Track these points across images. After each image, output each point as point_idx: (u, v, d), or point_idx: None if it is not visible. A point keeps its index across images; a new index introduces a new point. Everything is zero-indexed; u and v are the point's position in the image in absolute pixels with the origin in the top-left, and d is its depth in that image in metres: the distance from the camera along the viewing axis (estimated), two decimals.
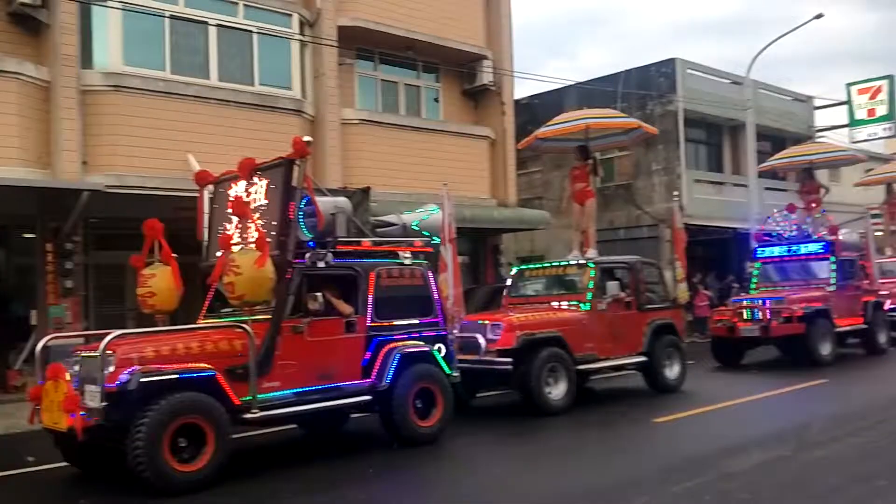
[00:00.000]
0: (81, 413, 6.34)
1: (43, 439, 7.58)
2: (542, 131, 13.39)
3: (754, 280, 16.00)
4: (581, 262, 11.41)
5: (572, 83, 23.31)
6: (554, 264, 11.82)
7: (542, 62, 69.08)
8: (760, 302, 14.09)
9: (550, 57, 67.27)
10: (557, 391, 9.87)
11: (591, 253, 12.08)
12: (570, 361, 10.05)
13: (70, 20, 12.50)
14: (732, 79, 24.53)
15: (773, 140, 26.08)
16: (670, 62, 23.29)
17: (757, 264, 16.13)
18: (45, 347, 7.64)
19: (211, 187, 8.63)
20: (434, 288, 8.79)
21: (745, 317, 13.99)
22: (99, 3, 12.91)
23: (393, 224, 9.35)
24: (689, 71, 23.62)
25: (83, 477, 7.45)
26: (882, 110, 26.57)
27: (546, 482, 6.79)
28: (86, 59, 12.90)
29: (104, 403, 6.28)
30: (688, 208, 21.26)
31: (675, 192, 19.19)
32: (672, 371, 11.45)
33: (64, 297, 12.54)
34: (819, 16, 21.79)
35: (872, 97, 26.72)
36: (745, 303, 14.40)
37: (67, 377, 6.72)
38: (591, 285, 10.79)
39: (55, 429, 6.81)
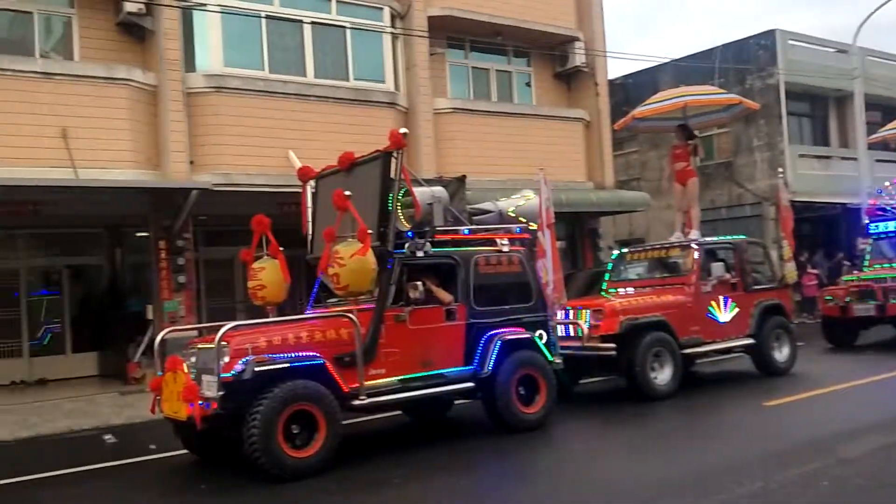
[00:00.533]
0: (200, 402, 6.60)
1: (163, 428, 7.96)
2: (639, 111, 13.13)
3: (867, 257, 15.24)
4: (684, 243, 11.14)
5: (667, 60, 22.72)
6: (656, 246, 11.59)
7: (633, 41, 67.47)
8: (875, 280, 13.43)
9: (641, 36, 65.63)
10: (663, 376, 9.70)
11: (694, 234, 11.78)
12: (676, 345, 9.86)
13: (173, 26, 13.01)
14: (837, 47, 23.38)
15: (884, 109, 24.66)
16: (770, 34, 22.39)
17: (870, 240, 15.35)
18: (162, 340, 8.05)
19: (313, 182, 8.84)
20: (533, 274, 8.76)
21: (859, 296, 13.36)
22: (198, 7, 13.40)
23: (489, 211, 9.36)
24: (790, 42, 22.63)
25: (202, 464, 7.77)
26: None
27: (654, 468, 6.70)
28: (189, 62, 13.41)
29: (221, 392, 6.54)
30: (793, 184, 20.42)
31: (780, 169, 18.45)
32: (781, 353, 11.08)
33: (177, 291, 13.11)
34: None
35: None
36: (858, 281, 13.74)
37: (185, 368, 7.02)
38: (694, 267, 10.54)
39: (175, 418, 7.12)
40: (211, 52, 13.54)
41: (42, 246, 15.53)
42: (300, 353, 6.94)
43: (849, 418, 8.17)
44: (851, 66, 21.51)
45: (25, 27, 12.92)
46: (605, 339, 9.49)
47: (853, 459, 6.51)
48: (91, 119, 12.05)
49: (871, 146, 20.96)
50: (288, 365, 6.78)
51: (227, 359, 6.70)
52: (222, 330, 6.75)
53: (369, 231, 7.24)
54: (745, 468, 6.41)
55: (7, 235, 14.75)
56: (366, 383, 7.20)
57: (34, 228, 14.53)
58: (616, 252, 12.36)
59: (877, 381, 10.37)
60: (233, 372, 6.58)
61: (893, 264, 14.53)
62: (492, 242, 8.60)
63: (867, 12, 23.63)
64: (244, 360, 6.65)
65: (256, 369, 6.59)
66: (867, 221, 15.70)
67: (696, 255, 10.66)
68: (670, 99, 12.77)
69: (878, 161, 22.52)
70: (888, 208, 15.46)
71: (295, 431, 6.75)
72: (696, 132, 13.29)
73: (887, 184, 16.14)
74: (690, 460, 6.95)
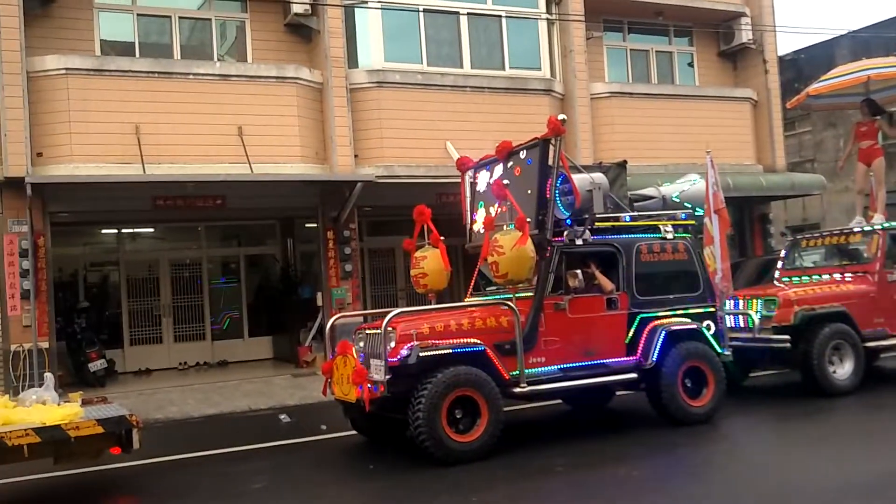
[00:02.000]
0: (368, 385, 6.86)
1: (334, 409, 8.32)
2: (814, 87, 12.27)
3: None
4: (867, 228, 10.34)
5: (844, 32, 21.15)
6: (835, 232, 10.82)
7: (804, 13, 63.29)
8: None
9: (815, 6, 61.35)
10: (843, 370, 9.08)
11: (878, 218, 10.90)
12: (858, 338, 9.19)
13: (336, 24, 13.52)
14: None
15: None
16: None
17: None
18: (332, 326, 8.41)
19: (471, 172, 8.93)
20: (700, 262, 8.43)
21: None
22: (360, 5, 13.85)
23: (652, 197, 9.10)
24: None
25: (370, 445, 8.08)
26: None
27: (834, 468, 6.29)
28: (352, 59, 13.89)
29: (388, 376, 6.76)
30: None
31: None
32: None
33: (344, 279, 13.66)
34: None
35: None
36: None
37: (355, 353, 7.30)
38: (879, 254, 9.76)
39: (345, 400, 7.43)
40: (372, 48, 13.95)
41: (222, 237, 16.70)
42: (462, 340, 7.04)
43: None
44: None
45: (204, 33, 13.88)
46: (778, 330, 8.99)
47: None
48: (264, 117, 12.74)
49: None
50: (451, 351, 6.92)
51: (393, 344, 6.91)
52: (389, 316, 6.97)
53: (528, 220, 7.23)
54: None
55: (191, 228, 15.95)
56: (526, 371, 7.20)
57: (214, 221, 15.62)
58: (790, 238, 11.65)
59: None
60: (399, 356, 6.78)
61: None
62: (655, 229, 8.35)
63: None
64: (409, 345, 6.83)
65: (421, 354, 6.76)
66: None
67: (881, 240, 9.86)
68: (851, 74, 11.83)
69: None
70: None
71: (458, 416, 6.88)
72: (886, 108, 12.28)
73: None
74: (874, 461, 6.45)
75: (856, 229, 10.51)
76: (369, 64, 13.90)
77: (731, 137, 16.72)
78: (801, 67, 21.33)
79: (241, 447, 8.21)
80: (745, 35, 17.20)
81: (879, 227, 10.18)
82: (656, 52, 17.45)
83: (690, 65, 17.80)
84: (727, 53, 17.88)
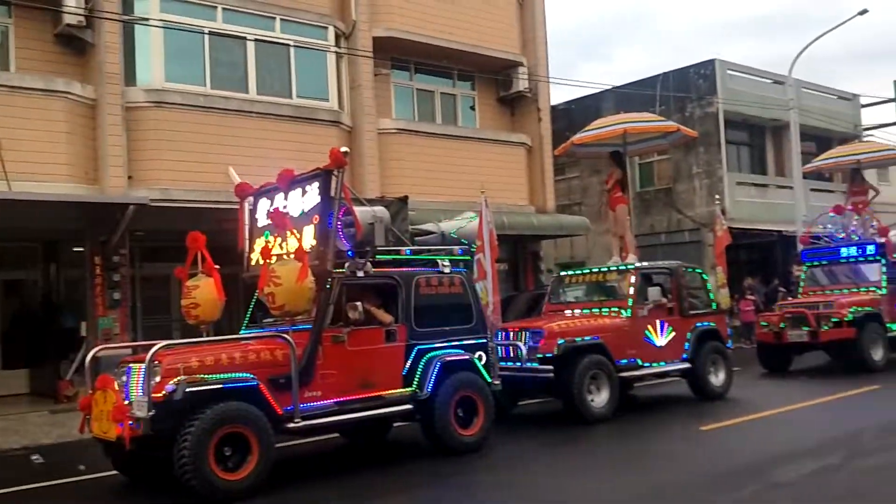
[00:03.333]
0: (130, 422, 6.45)
1: (94, 448, 7.72)
2: (578, 137, 13.32)
3: (801, 284, 15.67)
4: (622, 267, 11.31)
5: (609, 87, 23.18)
6: (594, 270, 11.73)
7: (576, 66, 68.70)
8: (808, 306, 13.81)
9: (585, 60, 66.81)
10: (600, 399, 9.77)
11: (632, 258, 11.97)
12: (613, 368, 9.96)
13: (113, 39, 12.81)
14: (774, 78, 24.16)
15: (819, 140, 25.59)
16: (710, 63, 23.03)
17: (804, 267, 15.79)
18: (94, 358, 7.82)
19: (251, 199, 8.74)
20: (474, 296, 8.78)
21: (792, 322, 13.72)
22: (140, 22, 13.21)
23: (431, 232, 9.38)
24: (729, 72, 23.33)
25: (132, 485, 7.58)
26: None
27: (590, 491, 6.74)
28: (129, 76, 13.21)
29: (151, 413, 6.38)
30: (730, 211, 20.98)
31: (717, 196, 18.91)
32: (717, 378, 11.26)
33: (112, 308, 12.81)
34: (863, 12, 21.29)
35: None
36: (792, 307, 14.12)
37: (116, 387, 6.85)
38: (632, 291, 10.69)
39: (105, 438, 6.93)
40: (152, 67, 13.35)
41: None
42: (233, 374, 6.82)
43: (782, 442, 8.32)
44: (787, 97, 22.19)
45: None
46: (543, 360, 9.54)
47: (786, 483, 6.61)
48: (28, 132, 11.80)
49: (806, 175, 21.61)
50: (220, 386, 6.67)
51: (158, 378, 6.56)
52: (154, 349, 6.61)
53: (307, 250, 7.17)
54: (680, 492, 6.49)
55: None
56: (301, 405, 7.10)
57: None
58: (555, 275, 12.46)
59: (810, 405, 10.62)
60: (164, 392, 6.44)
61: (826, 291, 14.98)
62: (434, 263, 8.60)
63: (804, 43, 24.49)
64: (176, 380, 6.51)
65: (188, 390, 6.46)
66: (802, 249, 16.14)
67: (632, 279, 10.82)
68: (610, 126, 12.99)
69: (812, 190, 23.27)
70: (822, 236, 15.92)
71: (227, 454, 6.62)
72: (628, 158, 13.48)
73: (822, 215, 16.49)
74: (626, 484, 6.98)
75: (612, 268, 11.46)
76: (148, 82, 13.28)
77: (507, 179, 17.68)
78: (572, 117, 23.03)
79: None
80: (521, 83, 18.35)
81: (632, 266, 11.18)
82: (441, 93, 18.15)
83: (472, 108, 18.68)
84: (506, 100, 18.96)
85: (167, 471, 6.72)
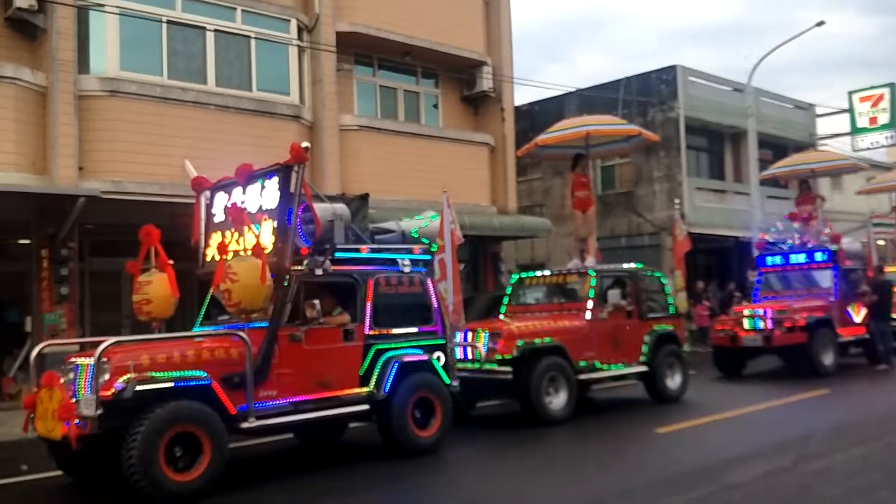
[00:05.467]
0: (76, 421, 6.23)
1: (38, 447, 7.47)
2: (541, 138, 13.31)
3: (756, 289, 15.88)
4: (581, 270, 11.31)
5: (573, 90, 23.28)
6: (554, 272, 11.72)
7: (541, 68, 69.16)
8: (762, 311, 13.99)
9: (549, 62, 67.36)
10: (558, 401, 9.75)
11: (591, 261, 11.99)
12: (571, 371, 9.95)
13: (67, 25, 12.45)
14: (734, 86, 24.49)
15: (775, 148, 26.02)
16: (671, 69, 23.26)
17: (759, 273, 16.02)
18: (39, 355, 7.57)
19: (207, 193, 8.53)
20: (433, 296, 8.69)
21: (746, 326, 13.89)
22: (95, 8, 12.86)
23: (392, 231, 9.25)
24: (690, 78, 23.58)
25: (78, 486, 7.36)
26: (884, 118, 26.45)
27: (546, 492, 6.69)
28: (83, 64, 12.85)
29: (99, 412, 6.18)
30: (689, 216, 21.18)
31: (677, 200, 19.09)
32: (673, 381, 11.33)
33: (59, 303, 12.46)
34: (820, 23, 21.73)
35: (874, 105, 26.60)
36: (746, 312, 14.30)
37: (62, 385, 6.63)
38: (591, 294, 10.70)
39: (49, 437, 6.70)
40: (107, 55, 13.01)
41: None
42: (186, 373, 6.63)
43: (736, 445, 8.38)
44: (746, 105, 22.54)
45: None
46: (501, 362, 9.49)
47: (739, 485, 6.65)
48: None
49: (763, 182, 21.92)
50: (172, 384, 6.48)
51: (107, 376, 6.35)
52: (103, 345, 6.39)
53: (265, 247, 7.02)
54: (634, 493, 6.50)
55: None
56: (255, 405, 6.93)
57: None
58: (514, 277, 12.43)
59: (762, 409, 10.75)
60: (112, 390, 6.23)
61: (779, 297, 15.20)
62: (393, 262, 8.48)
63: (762, 52, 24.87)
64: (125, 377, 6.31)
65: (138, 388, 6.26)
66: (757, 255, 16.37)
67: (592, 281, 10.83)
68: (573, 128, 13.00)
69: (769, 197, 23.63)
70: (777, 243, 16.17)
71: (178, 454, 6.44)
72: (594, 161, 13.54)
73: (778, 223, 16.78)
74: (581, 485, 6.98)
75: (572, 270, 11.46)
76: (103, 71, 12.94)
77: (469, 178, 17.64)
78: (535, 118, 23.07)
79: None
80: (485, 83, 18.34)
81: (591, 269, 11.18)
82: (404, 90, 18.03)
83: (436, 106, 18.60)
84: (469, 99, 18.92)
85: (115, 471, 6.51)
